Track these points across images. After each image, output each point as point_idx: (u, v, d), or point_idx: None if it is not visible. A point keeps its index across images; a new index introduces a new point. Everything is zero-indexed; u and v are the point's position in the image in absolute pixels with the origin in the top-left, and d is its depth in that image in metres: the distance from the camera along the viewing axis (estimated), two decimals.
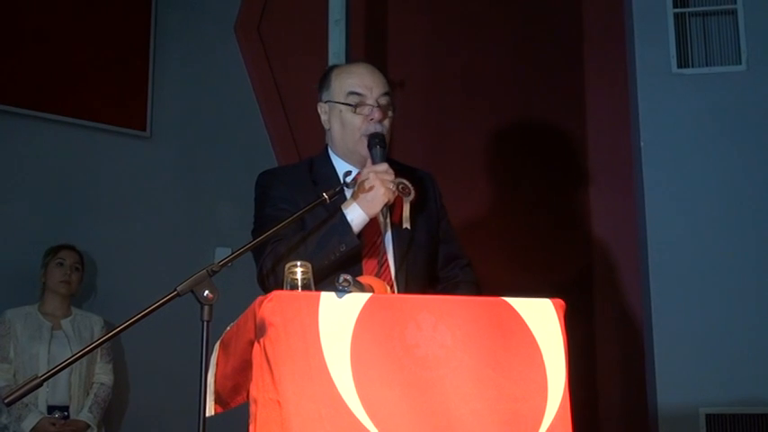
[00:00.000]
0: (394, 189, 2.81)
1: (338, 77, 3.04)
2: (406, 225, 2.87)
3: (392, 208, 2.90)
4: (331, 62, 5.12)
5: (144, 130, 5.80)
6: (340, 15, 5.24)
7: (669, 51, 5.76)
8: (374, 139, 2.89)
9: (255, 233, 2.88)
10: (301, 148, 5.90)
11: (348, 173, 2.90)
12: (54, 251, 5.12)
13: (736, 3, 5.76)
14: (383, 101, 2.97)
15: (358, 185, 2.82)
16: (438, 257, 3.12)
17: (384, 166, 2.82)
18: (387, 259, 2.92)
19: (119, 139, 5.71)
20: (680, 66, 5.75)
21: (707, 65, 5.79)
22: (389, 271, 2.91)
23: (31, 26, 5.46)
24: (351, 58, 5.18)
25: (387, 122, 2.97)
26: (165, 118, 5.88)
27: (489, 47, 6.40)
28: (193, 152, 5.94)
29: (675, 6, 5.81)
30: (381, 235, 2.91)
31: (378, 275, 2.82)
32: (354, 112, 2.95)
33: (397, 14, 6.18)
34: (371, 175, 2.79)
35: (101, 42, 5.71)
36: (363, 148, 2.92)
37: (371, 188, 2.77)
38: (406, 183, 2.89)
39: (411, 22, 6.21)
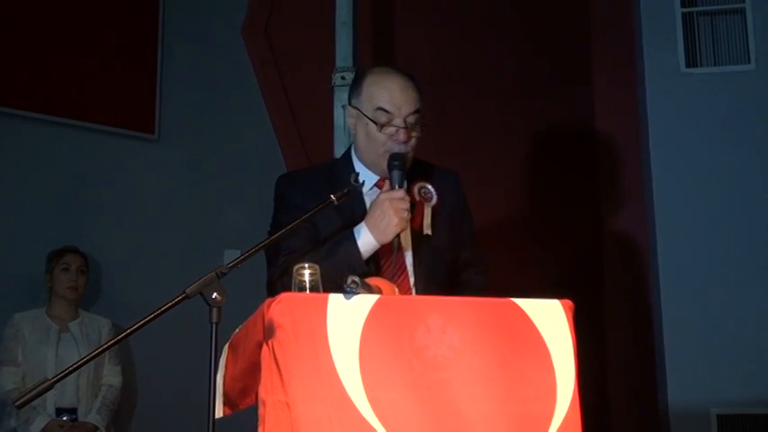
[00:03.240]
0: (408, 217, 2.78)
1: (369, 88, 2.96)
2: (428, 231, 2.87)
3: (413, 213, 2.87)
4: (338, 64, 5.12)
5: (152, 132, 5.80)
6: (347, 17, 5.23)
7: (678, 51, 5.75)
8: (394, 161, 2.85)
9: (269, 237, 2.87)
10: (309, 149, 5.90)
11: (357, 174, 2.89)
12: (58, 255, 5.11)
13: (744, 2, 5.75)
14: (411, 119, 2.91)
15: (371, 209, 2.80)
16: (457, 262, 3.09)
17: (400, 193, 2.79)
18: (405, 265, 2.90)
19: (127, 141, 5.71)
20: (688, 65, 5.74)
21: (715, 64, 5.78)
22: (408, 277, 2.89)
23: (39, 30, 5.47)
24: (358, 61, 5.17)
25: (413, 141, 2.93)
26: (174, 121, 5.88)
27: (498, 48, 6.39)
28: (201, 154, 5.94)
29: (683, 6, 5.80)
30: (401, 242, 2.86)
31: (396, 281, 2.81)
32: (380, 130, 2.91)
33: (404, 16, 6.17)
34: (386, 203, 2.76)
35: (108, 45, 5.71)
36: (385, 164, 2.89)
37: (384, 216, 2.75)
38: (429, 188, 2.89)
39: (419, 23, 6.20)
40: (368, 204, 2.90)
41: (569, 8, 6.71)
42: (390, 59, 5.90)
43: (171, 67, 5.94)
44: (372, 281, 2.51)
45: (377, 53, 5.83)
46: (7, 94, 5.33)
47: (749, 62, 5.69)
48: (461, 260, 3.10)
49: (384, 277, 2.75)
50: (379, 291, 2.45)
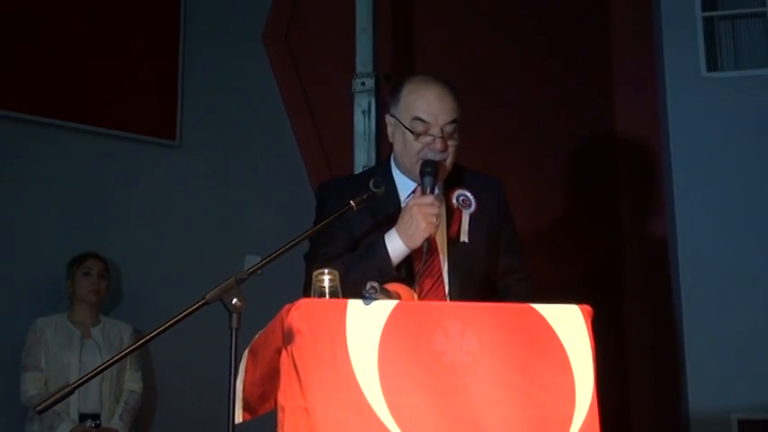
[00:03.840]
0: (437, 222, 2.77)
1: (407, 96, 2.97)
2: (464, 238, 2.87)
3: (450, 220, 2.89)
4: (358, 70, 5.14)
5: (173, 139, 5.83)
6: (367, 23, 5.25)
7: (698, 55, 5.75)
8: (426, 168, 2.85)
9: (311, 244, 2.90)
10: (330, 155, 5.91)
11: (376, 180, 2.89)
12: (79, 261, 5.14)
13: (765, 6, 5.74)
14: (448, 129, 2.92)
15: (401, 215, 2.81)
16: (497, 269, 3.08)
17: (429, 199, 2.78)
18: (441, 273, 2.90)
19: (148, 148, 5.74)
20: (709, 69, 5.74)
21: (736, 68, 5.77)
22: (443, 285, 2.89)
23: (63, 38, 5.51)
24: (378, 67, 5.18)
25: (450, 150, 2.93)
26: (195, 127, 5.91)
27: (518, 53, 6.39)
28: (223, 161, 5.97)
29: (704, 10, 5.80)
30: (433, 246, 2.86)
31: (432, 289, 2.82)
32: (416, 140, 2.91)
33: (424, 21, 6.19)
34: (414, 209, 2.76)
35: (131, 53, 5.75)
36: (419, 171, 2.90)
37: (412, 221, 2.75)
38: (468, 195, 2.90)
39: (438, 28, 6.21)
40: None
41: (590, 14, 6.70)
42: (410, 65, 5.91)
43: (192, 74, 5.96)
44: (391, 286, 2.52)
45: (397, 59, 5.84)
46: (30, 101, 5.37)
47: None
48: (502, 266, 3.07)
49: (419, 284, 2.76)
50: (397, 296, 2.46)
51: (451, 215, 2.89)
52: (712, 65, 5.74)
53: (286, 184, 5.97)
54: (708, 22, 5.79)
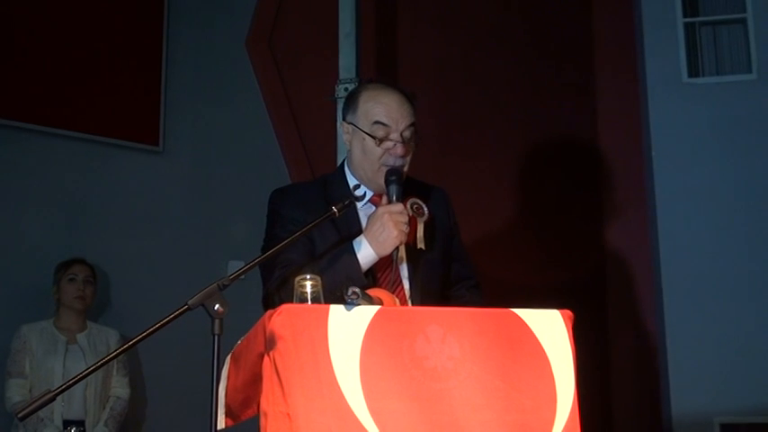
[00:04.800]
0: (407, 230, 2.81)
1: (366, 103, 3.00)
2: (421, 245, 2.89)
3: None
4: (341, 76, 5.14)
5: (156, 144, 5.83)
6: (350, 29, 5.25)
7: (679, 61, 5.76)
8: (391, 176, 2.89)
9: (264, 252, 2.87)
10: (313, 161, 5.92)
11: (357, 186, 2.92)
12: (65, 266, 5.14)
13: (746, 12, 5.76)
14: (407, 133, 2.96)
15: (370, 222, 2.83)
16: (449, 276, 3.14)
17: (399, 207, 2.82)
18: (401, 278, 2.93)
19: (132, 153, 5.75)
20: (690, 75, 5.75)
21: (717, 74, 5.79)
22: (404, 289, 2.93)
23: (45, 43, 5.51)
24: (361, 73, 5.19)
25: (408, 157, 2.98)
26: (178, 132, 5.91)
27: (500, 58, 6.41)
28: (206, 166, 5.97)
29: (685, 16, 5.81)
30: (396, 256, 2.91)
31: (393, 293, 2.81)
32: (378, 145, 2.94)
33: (407, 27, 6.20)
34: (386, 216, 2.79)
35: (114, 58, 5.75)
36: (381, 178, 2.93)
37: (384, 229, 2.78)
38: (421, 203, 2.92)
39: (422, 34, 6.23)
40: (362, 219, 2.95)
41: (572, 20, 6.72)
42: (393, 71, 5.92)
43: (175, 79, 5.97)
44: (373, 292, 2.53)
45: (380, 65, 5.85)
46: (14, 107, 5.37)
47: (751, 72, 5.69)
48: (454, 273, 3.15)
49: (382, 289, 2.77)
50: (379, 302, 2.47)
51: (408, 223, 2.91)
52: (693, 71, 5.76)
53: (269, 189, 5.95)
54: (689, 29, 5.82)
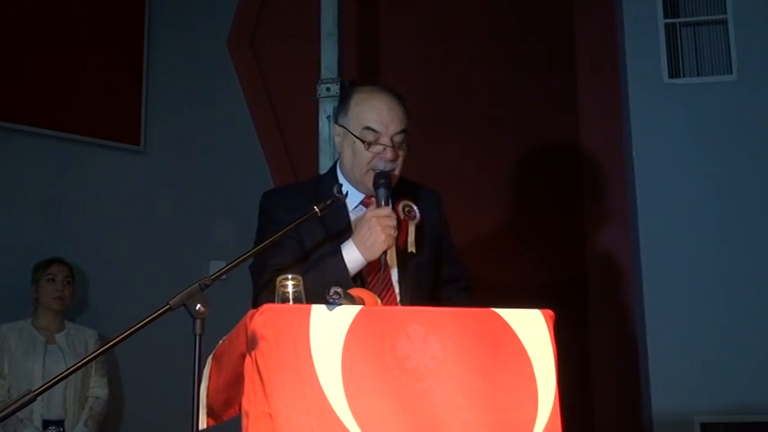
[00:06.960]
0: (395, 234, 2.80)
1: (357, 106, 2.97)
2: (411, 249, 2.89)
3: (397, 230, 2.89)
4: (323, 75, 5.13)
5: (138, 144, 5.81)
6: (332, 29, 5.24)
7: (660, 61, 5.80)
8: (380, 180, 2.87)
9: (256, 257, 2.87)
10: (295, 160, 5.91)
11: (340, 185, 2.91)
12: (44, 266, 5.11)
13: (726, 13, 5.80)
14: (398, 138, 2.93)
15: (358, 226, 2.83)
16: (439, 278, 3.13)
17: (387, 211, 2.81)
18: (392, 282, 2.92)
19: (113, 153, 5.72)
20: (671, 76, 5.79)
21: (698, 75, 5.83)
22: (394, 293, 2.91)
23: (24, 42, 5.48)
24: (343, 73, 5.19)
25: (399, 161, 2.95)
26: (160, 132, 5.89)
27: (483, 58, 6.43)
28: (187, 166, 5.96)
29: (666, 17, 5.85)
30: (383, 260, 2.88)
31: (383, 298, 2.82)
32: (367, 149, 2.92)
33: (389, 27, 6.20)
34: (373, 220, 2.78)
35: (94, 57, 5.72)
36: (370, 182, 2.91)
37: (372, 233, 2.77)
38: (412, 206, 2.91)
39: (404, 35, 6.23)
40: (353, 222, 2.93)
41: (554, 19, 6.75)
42: (375, 71, 5.92)
43: (157, 78, 5.95)
44: (355, 292, 2.52)
45: (362, 65, 5.85)
46: None
47: (731, 73, 5.73)
48: (444, 275, 3.14)
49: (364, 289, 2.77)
50: (361, 301, 2.46)
51: (398, 226, 2.90)
52: (674, 71, 5.80)
53: (251, 189, 5.93)
54: (670, 29, 5.85)
